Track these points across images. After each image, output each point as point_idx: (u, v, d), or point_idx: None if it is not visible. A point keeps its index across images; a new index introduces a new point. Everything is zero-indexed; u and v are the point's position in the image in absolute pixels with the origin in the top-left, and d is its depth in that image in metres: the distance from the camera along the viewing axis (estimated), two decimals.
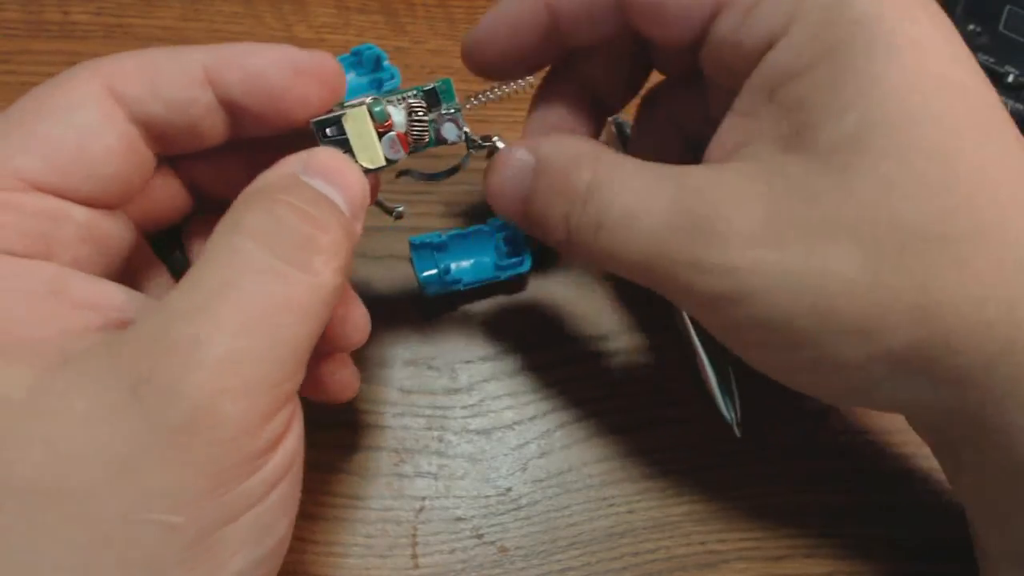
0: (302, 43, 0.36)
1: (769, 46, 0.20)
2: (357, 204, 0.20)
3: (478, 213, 0.32)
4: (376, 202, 0.29)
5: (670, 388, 0.29)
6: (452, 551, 0.26)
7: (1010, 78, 0.33)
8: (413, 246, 0.29)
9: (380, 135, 0.21)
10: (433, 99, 0.22)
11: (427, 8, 0.37)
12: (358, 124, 0.21)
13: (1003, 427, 0.20)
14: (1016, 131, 0.20)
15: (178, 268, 0.23)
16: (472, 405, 0.29)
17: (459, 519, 0.27)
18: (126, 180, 0.20)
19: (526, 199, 0.23)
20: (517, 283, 0.31)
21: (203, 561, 0.16)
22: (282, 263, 0.17)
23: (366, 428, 0.28)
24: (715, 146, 0.22)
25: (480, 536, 0.27)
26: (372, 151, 0.21)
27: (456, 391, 0.29)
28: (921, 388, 0.20)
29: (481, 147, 0.24)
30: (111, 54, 0.20)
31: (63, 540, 0.15)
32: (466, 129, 0.23)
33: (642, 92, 0.27)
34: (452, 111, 0.22)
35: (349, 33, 0.36)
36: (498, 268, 0.29)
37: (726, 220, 0.19)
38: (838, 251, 0.18)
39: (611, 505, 0.27)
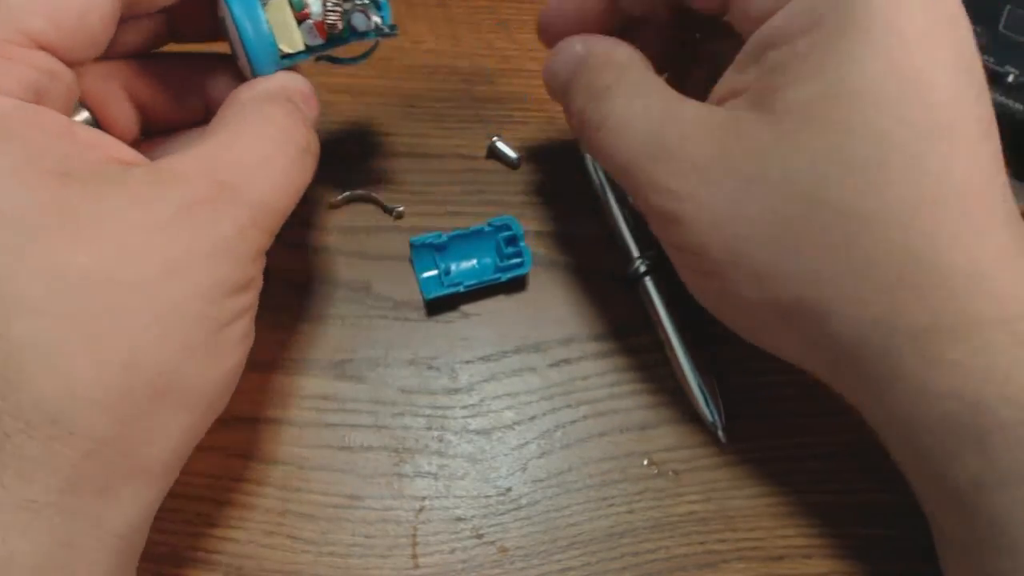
0: None
1: (772, 13, 0.22)
2: (314, 119, 0.25)
3: (479, 213, 0.32)
4: (375, 201, 0.30)
5: (670, 388, 0.29)
6: (452, 551, 0.26)
7: (1010, 78, 0.33)
8: (413, 247, 0.29)
9: (300, 23, 0.24)
10: None
11: (427, 8, 0.37)
12: (279, 12, 0.23)
13: (879, 404, 0.22)
14: (995, 143, 0.20)
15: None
16: (472, 405, 0.29)
17: (459, 519, 0.27)
18: (103, 42, 0.22)
19: (571, 83, 0.26)
20: (517, 283, 0.31)
21: (214, 351, 0.20)
22: (299, 158, 0.22)
23: (366, 428, 0.28)
24: (714, 93, 0.24)
25: (480, 536, 0.27)
26: (292, 37, 0.24)
27: (456, 391, 0.29)
28: (803, 343, 0.22)
29: (390, 35, 0.25)
30: None
31: (133, 322, 0.18)
32: (375, 20, 0.24)
33: None
34: (363, 2, 0.24)
35: None
36: (498, 269, 0.29)
37: (682, 152, 0.22)
38: (758, 202, 0.21)
39: (611, 505, 0.27)
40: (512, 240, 0.30)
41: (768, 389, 0.29)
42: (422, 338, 0.30)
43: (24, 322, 0.17)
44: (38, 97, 0.20)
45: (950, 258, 0.20)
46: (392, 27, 0.25)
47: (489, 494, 0.27)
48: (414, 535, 0.27)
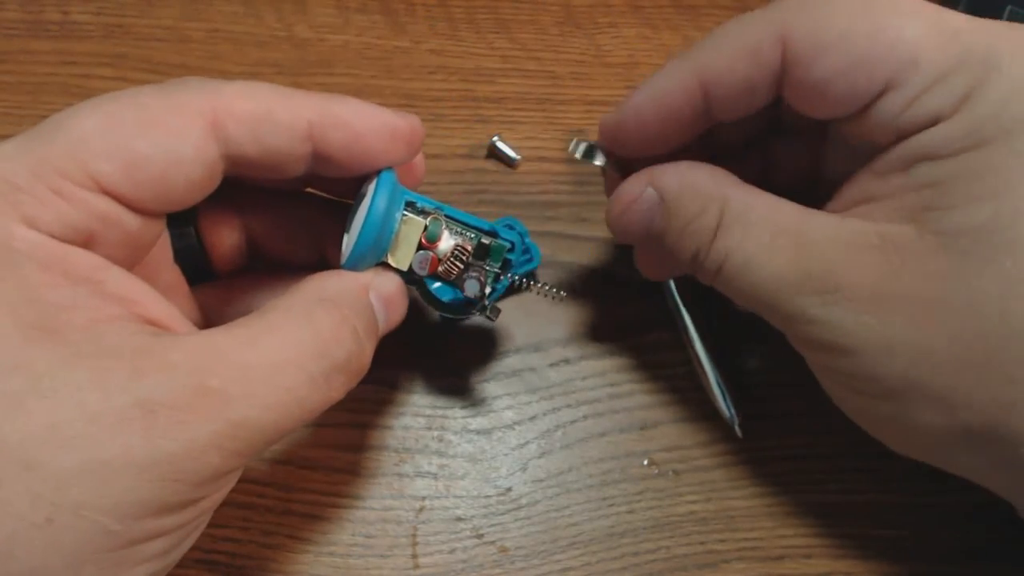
0: (302, 43, 0.36)
1: (925, 127, 0.20)
2: (391, 327, 0.23)
3: (479, 214, 0.32)
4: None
5: (670, 388, 0.29)
6: (452, 551, 0.26)
7: None
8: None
9: (419, 247, 0.23)
10: (483, 251, 0.23)
11: (427, 8, 0.37)
12: (411, 230, 0.22)
13: None
14: None
15: (184, 244, 0.24)
16: (472, 405, 0.29)
17: (459, 519, 0.27)
18: (190, 200, 0.21)
19: (657, 233, 0.24)
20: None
21: (112, 565, 0.17)
22: (323, 377, 0.19)
23: (366, 428, 0.28)
24: (839, 198, 0.23)
25: (480, 536, 0.27)
26: (404, 256, 0.23)
27: (456, 391, 0.29)
28: (989, 465, 0.21)
29: (485, 316, 0.24)
30: (214, 78, 0.21)
31: (13, 510, 0.16)
32: (487, 292, 0.23)
33: None
34: (486, 271, 0.23)
35: (349, 33, 0.36)
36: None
37: (835, 280, 0.21)
38: (939, 330, 0.20)
39: (611, 505, 0.27)
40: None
41: (768, 390, 0.29)
42: (423, 338, 0.30)
43: None
44: (85, 239, 0.19)
45: None
46: (491, 316, 0.24)
47: (489, 494, 0.27)
48: (414, 535, 0.27)
